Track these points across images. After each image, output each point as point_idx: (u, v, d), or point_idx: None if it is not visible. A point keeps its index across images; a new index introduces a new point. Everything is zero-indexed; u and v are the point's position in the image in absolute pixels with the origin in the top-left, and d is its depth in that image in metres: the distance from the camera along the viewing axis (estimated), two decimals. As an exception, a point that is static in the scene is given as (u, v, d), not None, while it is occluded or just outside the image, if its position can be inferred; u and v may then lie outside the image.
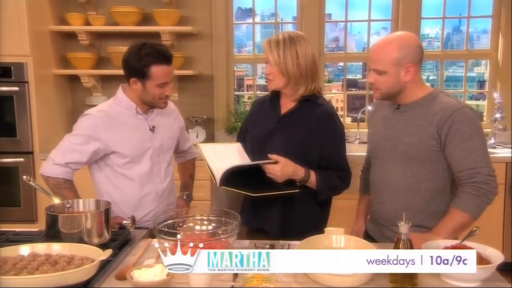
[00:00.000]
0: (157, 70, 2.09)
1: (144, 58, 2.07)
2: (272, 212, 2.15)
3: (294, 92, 2.13)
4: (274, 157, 2.00)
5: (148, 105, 2.22)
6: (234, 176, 1.96)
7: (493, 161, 3.46)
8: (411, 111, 1.95)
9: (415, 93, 1.94)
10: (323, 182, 2.09)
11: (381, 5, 4.37)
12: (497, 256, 1.55)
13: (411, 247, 1.50)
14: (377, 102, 2.16)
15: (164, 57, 2.10)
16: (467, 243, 1.62)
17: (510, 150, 3.82)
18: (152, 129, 2.24)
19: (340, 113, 4.61)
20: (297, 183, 2.07)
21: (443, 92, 1.98)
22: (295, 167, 2.03)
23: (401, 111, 1.98)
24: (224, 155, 2.06)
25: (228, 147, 2.20)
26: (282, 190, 2.03)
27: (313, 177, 2.08)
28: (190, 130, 4.13)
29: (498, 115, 4.04)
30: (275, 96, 2.23)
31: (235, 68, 4.69)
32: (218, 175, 1.96)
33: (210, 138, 4.23)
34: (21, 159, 3.77)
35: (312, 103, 2.15)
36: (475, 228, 1.70)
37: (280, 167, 1.98)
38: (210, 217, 1.91)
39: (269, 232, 2.15)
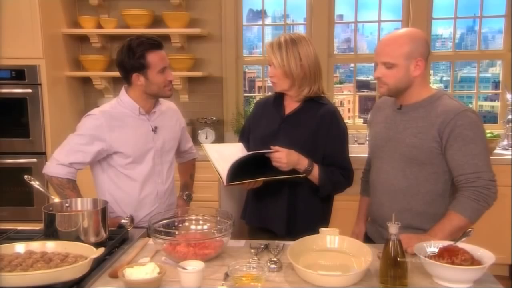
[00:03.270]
0: (152, 57, 2.14)
1: (137, 49, 2.12)
2: (278, 211, 2.16)
3: (298, 93, 2.15)
4: (277, 148, 2.00)
5: (155, 97, 2.25)
6: (239, 172, 1.96)
7: (505, 163, 3.50)
8: (413, 112, 1.93)
9: (420, 93, 1.93)
10: (326, 177, 2.10)
11: (392, 5, 4.34)
12: (489, 257, 1.53)
13: (401, 248, 1.49)
14: (379, 102, 2.15)
15: (155, 43, 2.16)
16: (460, 244, 1.60)
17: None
18: (155, 129, 2.26)
19: (351, 114, 4.60)
20: (300, 175, 2.07)
21: (446, 94, 1.95)
22: (299, 156, 2.04)
23: (403, 111, 1.97)
24: (229, 155, 2.07)
25: (231, 148, 2.22)
26: (288, 174, 2.04)
27: (316, 170, 2.08)
28: (199, 131, 4.16)
29: (511, 116, 3.97)
30: (279, 97, 2.24)
31: (246, 70, 4.71)
32: (225, 174, 1.97)
33: (219, 140, 4.26)
34: (34, 160, 3.84)
35: (316, 103, 2.17)
36: (469, 229, 1.68)
37: (285, 155, 1.99)
38: (205, 217, 1.93)
39: (276, 231, 2.16)
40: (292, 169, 2.03)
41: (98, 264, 1.65)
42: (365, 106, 4.85)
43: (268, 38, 4.58)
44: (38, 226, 1.98)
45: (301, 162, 2.05)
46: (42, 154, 3.86)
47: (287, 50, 2.08)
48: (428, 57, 1.93)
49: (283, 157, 1.98)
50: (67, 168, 2.16)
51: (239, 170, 1.96)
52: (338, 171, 2.14)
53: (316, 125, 2.13)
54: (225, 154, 2.09)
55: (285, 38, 2.10)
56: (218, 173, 2.02)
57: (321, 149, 2.13)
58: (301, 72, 2.10)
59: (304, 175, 2.07)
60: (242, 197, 2.39)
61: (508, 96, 4.03)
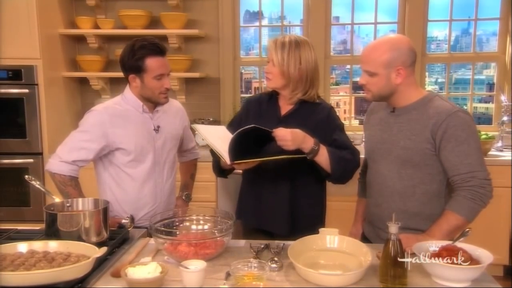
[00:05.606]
0: (152, 62, 2.13)
1: (138, 52, 2.12)
2: (279, 212, 2.15)
3: (292, 96, 2.15)
4: (279, 128, 1.93)
5: (150, 102, 2.24)
6: (240, 151, 1.91)
7: (499, 164, 3.54)
8: (406, 114, 1.95)
9: (410, 96, 1.95)
10: (336, 155, 2.02)
11: (388, 7, 4.37)
12: (487, 257, 1.55)
13: (401, 248, 1.51)
14: (373, 105, 2.17)
15: (158, 49, 2.15)
16: (458, 244, 1.62)
17: (517, 153, 3.80)
18: (157, 129, 2.27)
19: (347, 115, 4.63)
20: (307, 156, 1.98)
21: (438, 96, 1.98)
22: (305, 134, 1.96)
23: (396, 114, 1.99)
24: (225, 135, 2.02)
25: (217, 129, 2.18)
26: (292, 154, 1.95)
27: (323, 149, 2.00)
28: (196, 132, 4.16)
29: (505, 118, 4.01)
30: (274, 97, 2.23)
31: (243, 71, 4.72)
32: (226, 152, 1.91)
33: (217, 140, 4.26)
34: (31, 160, 3.84)
35: (310, 104, 2.17)
36: (467, 229, 1.70)
37: (291, 133, 1.91)
38: (206, 217, 1.94)
39: (278, 232, 2.14)
40: (297, 150, 1.95)
41: (99, 264, 1.65)
42: (361, 107, 4.87)
43: (265, 39, 4.60)
44: (34, 226, 1.99)
45: (306, 140, 1.96)
46: (38, 155, 3.86)
47: (289, 51, 2.08)
48: (414, 63, 1.93)
49: (288, 134, 1.91)
50: (70, 166, 2.17)
51: (239, 148, 1.89)
52: (345, 151, 2.07)
53: (314, 123, 2.11)
54: (220, 133, 2.05)
55: (290, 39, 2.10)
56: (218, 153, 1.94)
57: (323, 142, 2.05)
58: (298, 75, 2.09)
59: (311, 155, 1.97)
60: (236, 198, 2.37)
61: (502, 98, 4.07)
